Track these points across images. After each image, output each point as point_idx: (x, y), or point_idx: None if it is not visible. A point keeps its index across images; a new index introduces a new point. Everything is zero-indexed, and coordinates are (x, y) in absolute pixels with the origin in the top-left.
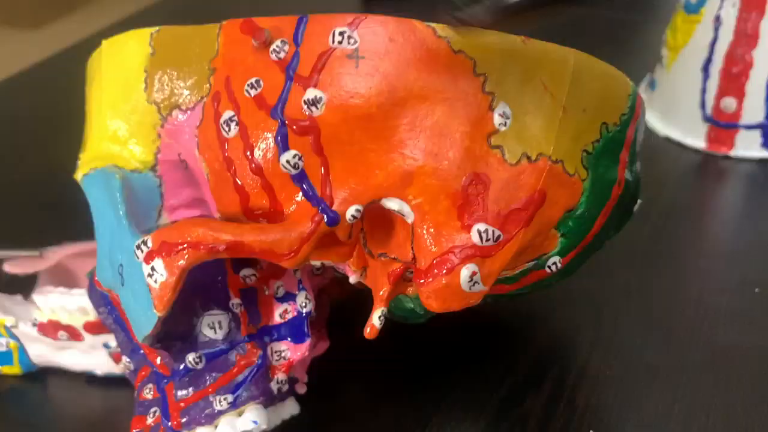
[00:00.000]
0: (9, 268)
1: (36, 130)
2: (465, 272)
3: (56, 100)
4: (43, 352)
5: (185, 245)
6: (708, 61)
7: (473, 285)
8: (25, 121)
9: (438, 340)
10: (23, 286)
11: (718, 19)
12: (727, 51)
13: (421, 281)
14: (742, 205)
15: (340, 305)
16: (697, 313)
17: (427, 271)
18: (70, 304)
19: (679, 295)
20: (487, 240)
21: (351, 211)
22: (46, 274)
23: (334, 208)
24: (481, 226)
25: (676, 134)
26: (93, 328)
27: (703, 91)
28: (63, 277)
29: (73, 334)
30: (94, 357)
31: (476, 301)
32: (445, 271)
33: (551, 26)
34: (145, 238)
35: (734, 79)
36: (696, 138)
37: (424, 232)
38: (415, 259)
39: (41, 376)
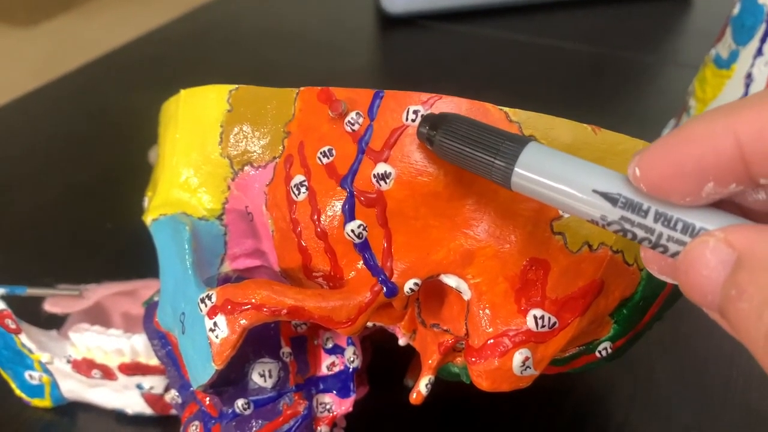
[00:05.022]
0: (49, 307)
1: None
2: (518, 357)
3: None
4: (75, 387)
5: (249, 305)
6: None
7: (525, 369)
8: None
9: (474, 393)
10: (55, 321)
11: (749, 76)
12: None
13: (473, 359)
14: None
15: (380, 348)
16: (730, 374)
17: (480, 350)
18: (106, 345)
19: (712, 353)
20: (542, 326)
21: (409, 284)
22: (79, 311)
23: (393, 279)
24: (537, 312)
25: None
26: (127, 369)
27: None
28: (97, 315)
29: (107, 373)
30: (125, 396)
31: (526, 385)
32: (498, 354)
33: (571, 68)
34: (210, 292)
35: None
36: None
37: (480, 311)
38: (467, 334)
39: (71, 410)
